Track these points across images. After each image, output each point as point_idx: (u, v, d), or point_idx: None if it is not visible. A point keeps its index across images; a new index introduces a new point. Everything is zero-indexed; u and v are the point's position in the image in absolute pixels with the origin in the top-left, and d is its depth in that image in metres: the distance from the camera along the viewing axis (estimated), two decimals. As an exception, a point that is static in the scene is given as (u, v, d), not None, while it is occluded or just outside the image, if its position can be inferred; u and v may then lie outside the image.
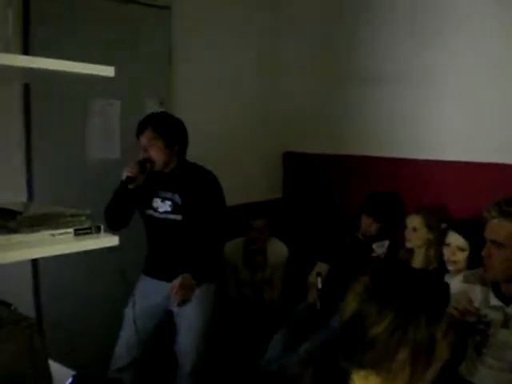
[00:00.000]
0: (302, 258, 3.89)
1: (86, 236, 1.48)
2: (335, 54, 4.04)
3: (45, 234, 1.41)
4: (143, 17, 3.34)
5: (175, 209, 2.79)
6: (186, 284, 2.70)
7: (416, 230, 3.20)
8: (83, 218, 1.50)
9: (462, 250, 2.84)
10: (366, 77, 3.84)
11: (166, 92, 3.50)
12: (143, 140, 2.72)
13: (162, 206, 2.81)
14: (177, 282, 2.70)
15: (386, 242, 3.55)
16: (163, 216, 2.81)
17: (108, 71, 1.36)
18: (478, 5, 3.27)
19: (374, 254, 3.57)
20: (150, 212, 2.85)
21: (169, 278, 2.81)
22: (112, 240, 1.50)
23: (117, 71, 1.44)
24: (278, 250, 3.75)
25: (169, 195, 2.80)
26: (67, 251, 1.44)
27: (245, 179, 4.05)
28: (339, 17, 3.98)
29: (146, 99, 3.39)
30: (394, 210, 3.57)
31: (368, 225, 3.58)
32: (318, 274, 3.48)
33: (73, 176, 3.08)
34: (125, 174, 2.65)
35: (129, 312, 2.85)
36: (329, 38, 4.06)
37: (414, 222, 3.22)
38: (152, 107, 3.38)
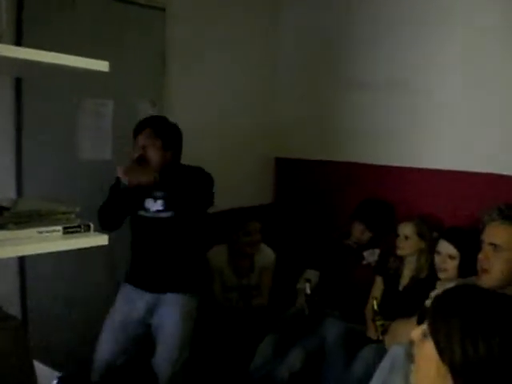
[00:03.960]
0: (291, 264, 3.87)
1: (75, 234, 1.45)
2: (328, 62, 4.04)
3: (32, 231, 1.38)
4: (138, 17, 3.31)
5: (167, 206, 2.76)
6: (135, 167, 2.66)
7: (408, 239, 3.19)
8: (72, 216, 1.47)
9: (452, 258, 2.86)
10: (358, 84, 3.83)
11: (159, 93, 3.47)
12: (142, 139, 2.71)
13: (154, 206, 2.78)
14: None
15: (377, 251, 3.55)
16: (154, 215, 2.78)
17: (102, 66, 1.33)
18: (474, 15, 3.28)
19: (364, 262, 3.57)
20: (142, 213, 2.81)
21: (153, 288, 2.84)
22: (102, 239, 1.47)
23: (110, 70, 1.41)
24: (265, 254, 3.72)
25: (160, 194, 2.76)
26: (55, 249, 1.40)
27: (236, 184, 4.02)
28: (335, 26, 3.97)
29: (138, 100, 3.37)
30: (386, 219, 3.57)
31: (360, 232, 3.58)
32: (307, 280, 3.47)
33: (62, 176, 3.04)
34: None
35: (110, 321, 2.85)
36: (324, 45, 4.05)
37: (406, 230, 3.21)
38: (144, 108, 3.37)
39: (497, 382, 1.19)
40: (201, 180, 2.81)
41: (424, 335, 1.30)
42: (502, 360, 1.18)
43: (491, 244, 2.28)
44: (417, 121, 3.59)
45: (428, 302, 2.22)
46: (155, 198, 2.78)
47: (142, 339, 2.92)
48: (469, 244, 2.77)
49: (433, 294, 2.26)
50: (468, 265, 2.62)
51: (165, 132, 2.76)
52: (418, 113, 3.58)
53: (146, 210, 2.80)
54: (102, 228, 2.35)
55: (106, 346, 2.83)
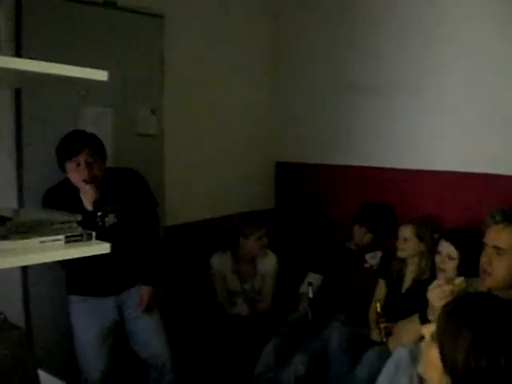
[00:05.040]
0: (293, 268, 3.87)
1: (77, 243, 1.46)
2: (329, 65, 4.05)
3: (35, 241, 1.39)
4: (137, 25, 3.32)
5: (117, 216, 2.75)
6: (151, 294, 2.95)
7: (407, 241, 3.20)
8: (74, 225, 1.48)
9: (451, 258, 2.86)
10: (358, 87, 3.84)
11: (159, 101, 3.48)
12: (84, 158, 2.65)
13: (108, 220, 2.73)
14: (144, 293, 2.93)
15: (379, 253, 3.54)
16: (107, 226, 2.73)
17: (101, 75, 1.33)
18: (471, 17, 3.28)
19: (366, 265, 3.57)
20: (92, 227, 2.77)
21: (117, 291, 2.94)
22: (103, 247, 1.48)
23: (109, 79, 1.42)
24: (268, 259, 3.72)
25: (108, 206, 2.76)
26: (57, 259, 1.41)
27: (237, 189, 4.04)
28: (335, 28, 3.99)
29: (137, 108, 3.38)
30: (387, 221, 3.57)
31: (361, 235, 3.58)
32: (309, 284, 3.47)
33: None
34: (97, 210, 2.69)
35: (87, 340, 2.87)
36: (324, 49, 4.07)
37: (405, 232, 3.22)
38: (143, 116, 3.38)
39: None
40: (146, 190, 2.98)
41: (432, 337, 1.30)
42: (506, 374, 1.18)
43: (494, 247, 2.26)
44: (417, 123, 3.59)
45: (428, 295, 2.19)
46: (103, 212, 2.75)
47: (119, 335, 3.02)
48: (469, 245, 2.77)
49: (430, 286, 2.24)
50: (467, 266, 2.62)
51: (100, 146, 2.78)
52: (417, 115, 3.58)
53: (96, 223, 2.73)
54: None
55: (97, 364, 2.86)
